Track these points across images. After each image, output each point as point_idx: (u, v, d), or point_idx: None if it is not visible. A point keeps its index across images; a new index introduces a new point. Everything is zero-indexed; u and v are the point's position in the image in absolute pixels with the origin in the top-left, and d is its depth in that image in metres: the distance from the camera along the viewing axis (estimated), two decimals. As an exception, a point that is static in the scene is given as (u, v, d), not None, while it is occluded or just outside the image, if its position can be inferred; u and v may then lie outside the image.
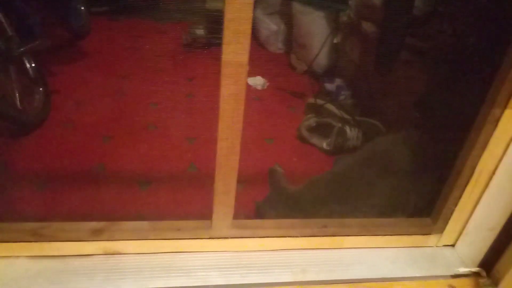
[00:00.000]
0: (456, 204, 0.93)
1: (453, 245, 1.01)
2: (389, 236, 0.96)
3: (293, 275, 0.89)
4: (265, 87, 1.95)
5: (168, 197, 1.30)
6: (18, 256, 0.86)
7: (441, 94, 1.14)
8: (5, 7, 1.51)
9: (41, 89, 1.67)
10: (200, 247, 0.90)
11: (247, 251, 0.91)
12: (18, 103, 1.53)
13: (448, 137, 1.02)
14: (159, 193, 1.31)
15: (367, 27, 1.58)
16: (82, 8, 1.93)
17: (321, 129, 1.60)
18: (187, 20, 2.33)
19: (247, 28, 0.64)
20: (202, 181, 1.37)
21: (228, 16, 0.63)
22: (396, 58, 1.45)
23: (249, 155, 1.34)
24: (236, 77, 0.70)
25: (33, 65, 1.64)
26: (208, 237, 0.89)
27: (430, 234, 0.98)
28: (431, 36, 1.34)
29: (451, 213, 0.95)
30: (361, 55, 1.71)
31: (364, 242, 0.95)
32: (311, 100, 1.78)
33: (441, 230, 0.98)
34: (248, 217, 0.92)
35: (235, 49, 0.66)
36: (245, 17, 0.63)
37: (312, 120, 1.63)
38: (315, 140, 1.59)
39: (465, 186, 0.90)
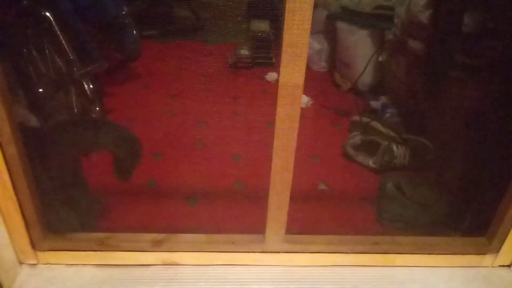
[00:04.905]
0: (512, 223, 0.91)
1: (509, 266, 0.98)
2: (443, 255, 0.94)
3: (345, 291, 0.89)
4: (309, 105, 1.97)
5: (215, 212, 1.34)
6: (85, 264, 0.92)
7: (494, 111, 1.13)
8: (67, 32, 1.63)
9: (97, 108, 1.78)
10: (253, 261, 0.92)
11: (299, 265, 0.93)
12: (77, 122, 1.64)
13: (503, 154, 1.00)
14: (208, 208, 1.36)
15: (414, 45, 1.58)
16: (135, 32, 2.04)
17: (367, 147, 1.59)
18: (232, 42, 2.42)
19: (303, 51, 0.68)
20: (249, 196, 1.40)
21: (287, 41, 0.67)
22: (444, 76, 1.44)
23: (295, 172, 1.36)
24: (292, 97, 0.73)
25: (91, 86, 1.74)
26: (261, 250, 0.92)
27: (486, 254, 0.96)
28: (481, 53, 1.33)
29: (508, 232, 0.93)
30: (408, 73, 1.70)
31: (417, 260, 0.94)
32: (356, 117, 1.78)
33: (496, 250, 0.96)
34: (299, 232, 0.94)
35: (292, 71, 0.70)
36: (302, 41, 0.67)
37: (357, 138, 1.64)
38: (360, 158, 1.59)
39: (522, 205, 0.89)
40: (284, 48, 0.68)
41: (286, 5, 0.64)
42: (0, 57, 0.77)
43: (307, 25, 0.65)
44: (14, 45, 1.34)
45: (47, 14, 1.50)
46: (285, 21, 0.65)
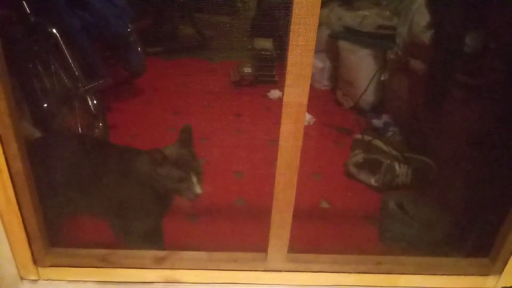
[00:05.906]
0: (516, 244, 0.90)
1: (512, 288, 0.97)
2: (446, 276, 0.94)
3: (347, 311, 0.89)
4: (311, 123, 1.98)
5: (217, 229, 1.33)
6: (86, 281, 0.92)
7: (497, 131, 1.13)
8: (73, 49, 1.65)
9: (100, 124, 1.79)
10: (255, 279, 0.92)
11: (302, 285, 0.92)
12: (81, 137, 1.65)
13: (507, 174, 1.00)
14: (210, 225, 1.35)
15: (416, 64, 1.60)
16: (140, 49, 2.07)
17: (369, 165, 1.59)
18: (236, 59, 2.44)
19: (307, 72, 0.69)
20: (251, 214, 1.40)
21: (291, 61, 0.68)
22: (446, 95, 1.45)
23: (296, 190, 1.36)
24: (296, 116, 0.74)
25: (94, 102, 1.75)
26: (263, 269, 0.91)
27: (489, 275, 0.95)
28: (483, 73, 1.34)
29: (511, 254, 0.92)
30: (410, 91, 1.71)
31: (420, 281, 0.94)
32: (358, 136, 1.79)
33: (500, 271, 0.95)
34: (301, 250, 0.93)
35: (296, 91, 0.71)
36: (307, 62, 0.68)
37: (359, 156, 1.64)
38: (363, 176, 1.59)
39: (526, 225, 0.88)
40: (288, 68, 0.69)
41: (291, 27, 0.66)
42: (8, 73, 0.78)
43: (311, 46, 0.67)
44: (21, 61, 1.35)
45: (54, 31, 1.52)
46: (290, 42, 0.66)
